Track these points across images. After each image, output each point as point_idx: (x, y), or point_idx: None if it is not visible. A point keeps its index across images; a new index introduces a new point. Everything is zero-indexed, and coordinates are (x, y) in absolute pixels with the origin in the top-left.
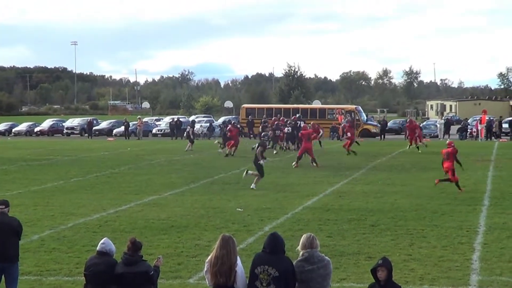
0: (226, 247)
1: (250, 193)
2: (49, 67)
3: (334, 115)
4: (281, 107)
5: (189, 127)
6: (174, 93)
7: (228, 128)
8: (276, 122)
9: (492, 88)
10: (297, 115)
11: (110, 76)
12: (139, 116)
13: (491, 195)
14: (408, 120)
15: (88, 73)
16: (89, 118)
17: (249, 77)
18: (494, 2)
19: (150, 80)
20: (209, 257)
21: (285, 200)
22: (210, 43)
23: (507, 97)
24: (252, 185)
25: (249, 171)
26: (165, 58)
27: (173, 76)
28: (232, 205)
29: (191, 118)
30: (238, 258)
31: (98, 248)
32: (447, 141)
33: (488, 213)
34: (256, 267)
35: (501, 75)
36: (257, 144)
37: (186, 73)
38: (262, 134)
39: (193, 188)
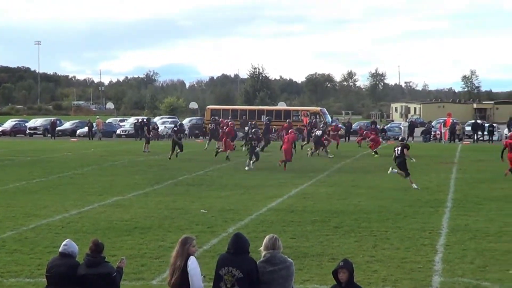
0: (178, 248)
1: (214, 195)
2: (11, 66)
3: (299, 117)
4: (247, 109)
5: (145, 126)
6: (138, 94)
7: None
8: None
9: (456, 91)
10: (267, 118)
11: (74, 77)
12: (98, 117)
13: (454, 197)
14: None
15: (51, 73)
16: (52, 118)
17: (215, 78)
18: (458, 7)
19: (114, 80)
20: None
21: (249, 201)
22: (176, 44)
23: (471, 100)
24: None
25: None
26: (130, 58)
27: (138, 76)
28: (196, 206)
29: (145, 117)
30: (193, 258)
31: (60, 249)
32: (509, 133)
33: (450, 215)
34: (221, 268)
35: (465, 78)
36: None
37: (151, 73)
38: (253, 130)
39: (157, 189)
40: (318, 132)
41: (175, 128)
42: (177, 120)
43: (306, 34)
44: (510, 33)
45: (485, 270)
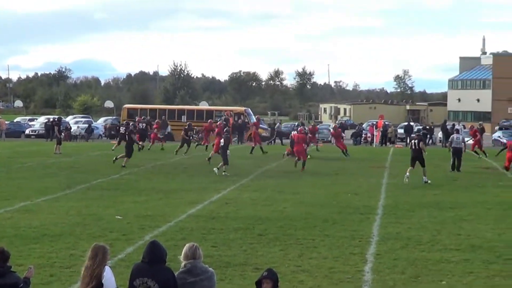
0: (93, 257)
1: (130, 199)
2: None
3: (222, 117)
4: (166, 108)
5: (55, 126)
6: (50, 92)
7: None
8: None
9: (388, 92)
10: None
11: None
12: (0, 116)
13: (385, 203)
14: (333, 127)
15: None
16: None
17: (132, 75)
18: (391, 3)
19: (23, 77)
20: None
21: (168, 207)
22: (90, 38)
23: (404, 101)
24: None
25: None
26: (40, 53)
27: (49, 73)
28: (110, 212)
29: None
30: (107, 269)
31: None
32: None
33: (381, 223)
34: (135, 279)
35: (397, 78)
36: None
37: (63, 70)
38: (224, 130)
39: (68, 193)
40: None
41: (186, 127)
42: (91, 120)
43: (231, 30)
44: (445, 32)
45: (417, 280)
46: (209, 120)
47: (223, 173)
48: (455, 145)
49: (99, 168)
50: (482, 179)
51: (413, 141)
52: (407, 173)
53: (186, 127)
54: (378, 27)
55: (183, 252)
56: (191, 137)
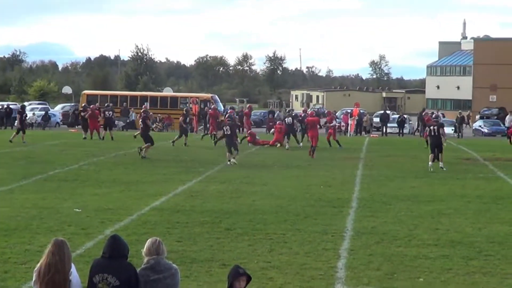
0: (59, 253)
1: (90, 192)
2: None
3: (187, 104)
4: (128, 94)
5: (18, 114)
6: (3, 77)
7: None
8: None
9: (364, 78)
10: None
11: None
12: None
13: (360, 196)
14: (309, 113)
15: None
16: None
17: (92, 59)
18: None
19: None
20: (39, 265)
21: (129, 200)
22: (46, 20)
23: (380, 88)
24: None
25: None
26: None
27: (4, 56)
28: (68, 205)
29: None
30: (73, 265)
31: None
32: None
33: (356, 216)
34: (94, 275)
35: (373, 64)
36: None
37: (18, 53)
38: (227, 116)
39: (23, 185)
40: (289, 120)
41: (184, 112)
42: (47, 106)
43: (196, 12)
44: (424, 15)
45: (393, 277)
46: (212, 106)
47: (230, 162)
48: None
49: (57, 158)
50: (461, 170)
51: (431, 127)
52: (430, 162)
53: (184, 113)
54: (353, 9)
55: (145, 248)
56: (152, 126)
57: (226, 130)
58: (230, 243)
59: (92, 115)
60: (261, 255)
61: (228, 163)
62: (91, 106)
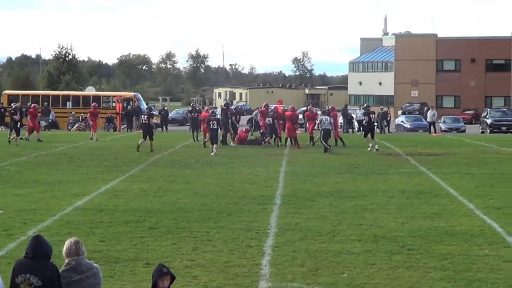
0: None
1: (11, 192)
2: None
3: (110, 103)
4: (49, 94)
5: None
6: None
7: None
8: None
9: (287, 75)
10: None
11: None
12: None
13: (283, 192)
14: (308, 108)
15: None
16: None
17: (13, 59)
18: None
19: None
20: None
21: (52, 200)
22: None
23: (303, 84)
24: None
25: None
26: None
27: None
28: None
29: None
30: None
31: None
32: None
33: (279, 213)
34: (17, 275)
35: (296, 61)
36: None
37: None
38: (211, 112)
39: None
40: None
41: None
42: None
43: (118, 9)
44: (346, 11)
45: (317, 273)
46: (205, 108)
47: (213, 152)
48: (325, 126)
49: None
50: (384, 166)
51: (371, 115)
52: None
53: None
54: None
55: (65, 249)
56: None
57: (212, 124)
58: (154, 242)
59: (34, 115)
60: (185, 254)
61: (212, 153)
62: (33, 105)
